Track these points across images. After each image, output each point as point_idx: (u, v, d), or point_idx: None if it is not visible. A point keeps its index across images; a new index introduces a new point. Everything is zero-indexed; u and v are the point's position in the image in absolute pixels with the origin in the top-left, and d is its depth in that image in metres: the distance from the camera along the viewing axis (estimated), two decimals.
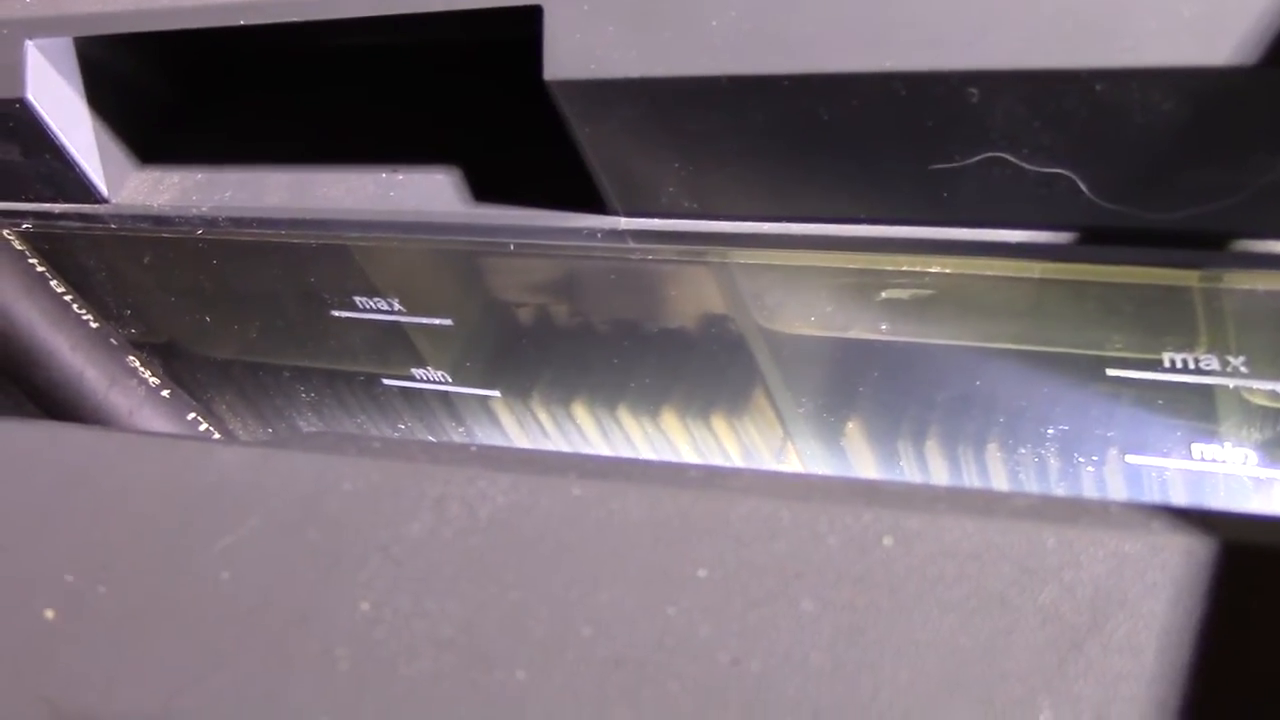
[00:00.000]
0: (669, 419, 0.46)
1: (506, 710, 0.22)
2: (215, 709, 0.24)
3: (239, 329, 0.51)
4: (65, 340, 0.37)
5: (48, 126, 0.44)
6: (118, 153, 0.46)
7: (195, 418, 0.37)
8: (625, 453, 0.48)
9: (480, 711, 0.22)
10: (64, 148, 0.45)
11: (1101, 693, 0.20)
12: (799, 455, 0.45)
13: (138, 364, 0.37)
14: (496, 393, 0.49)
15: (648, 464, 0.25)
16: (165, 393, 0.37)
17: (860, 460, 0.44)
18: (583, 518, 0.24)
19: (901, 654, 0.21)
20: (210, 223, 0.45)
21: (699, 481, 0.24)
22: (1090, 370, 0.37)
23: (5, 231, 0.38)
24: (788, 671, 0.21)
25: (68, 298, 0.37)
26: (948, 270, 0.35)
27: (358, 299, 0.47)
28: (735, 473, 0.24)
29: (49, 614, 0.26)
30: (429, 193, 0.41)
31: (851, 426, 0.43)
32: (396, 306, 0.46)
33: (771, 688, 0.21)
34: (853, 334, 0.39)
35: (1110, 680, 0.20)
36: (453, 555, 0.24)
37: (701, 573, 0.23)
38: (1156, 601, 0.20)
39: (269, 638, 0.24)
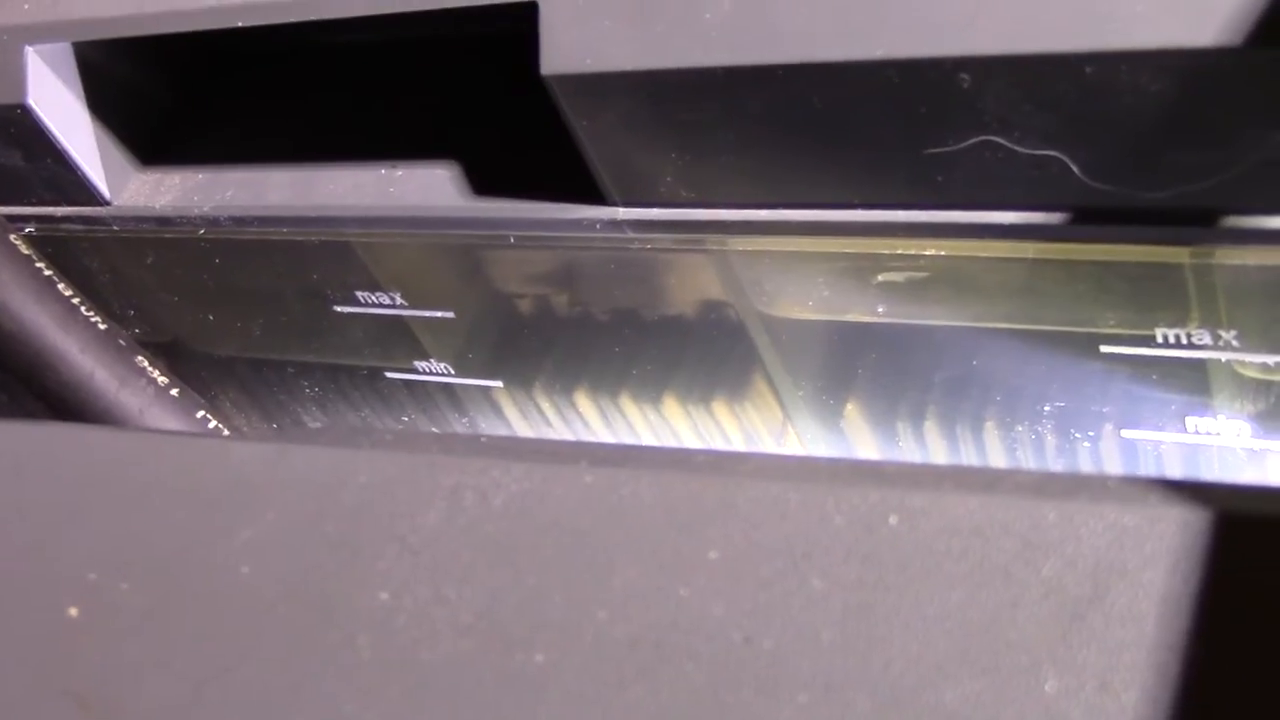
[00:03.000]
0: (671, 405, 0.46)
1: (526, 692, 0.23)
2: (240, 700, 0.24)
3: (242, 326, 0.52)
4: (75, 342, 0.37)
5: (49, 131, 0.45)
6: (119, 155, 0.47)
7: (204, 415, 0.38)
8: (628, 440, 0.49)
9: (501, 694, 0.23)
10: (65, 151, 0.45)
11: (1104, 660, 0.20)
12: (799, 438, 0.46)
13: (146, 364, 0.38)
14: (499, 383, 0.49)
15: (657, 450, 0.26)
16: (174, 392, 0.38)
17: (860, 441, 0.45)
18: (595, 504, 0.25)
19: (910, 628, 0.21)
20: (212, 222, 0.45)
21: (708, 466, 0.25)
22: (1084, 347, 0.37)
23: (12, 236, 0.38)
24: (800, 648, 0.22)
25: (75, 300, 0.38)
26: (942, 252, 0.36)
27: (360, 294, 0.47)
28: (743, 457, 0.25)
29: (73, 611, 0.27)
30: (429, 187, 0.41)
31: (850, 408, 0.43)
32: (398, 300, 0.47)
33: (784, 664, 0.22)
34: (850, 317, 0.40)
35: (1112, 648, 0.20)
36: (469, 543, 0.25)
37: (713, 554, 0.23)
38: (1155, 571, 0.21)
39: (291, 629, 0.25)
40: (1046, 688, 0.20)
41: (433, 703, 0.23)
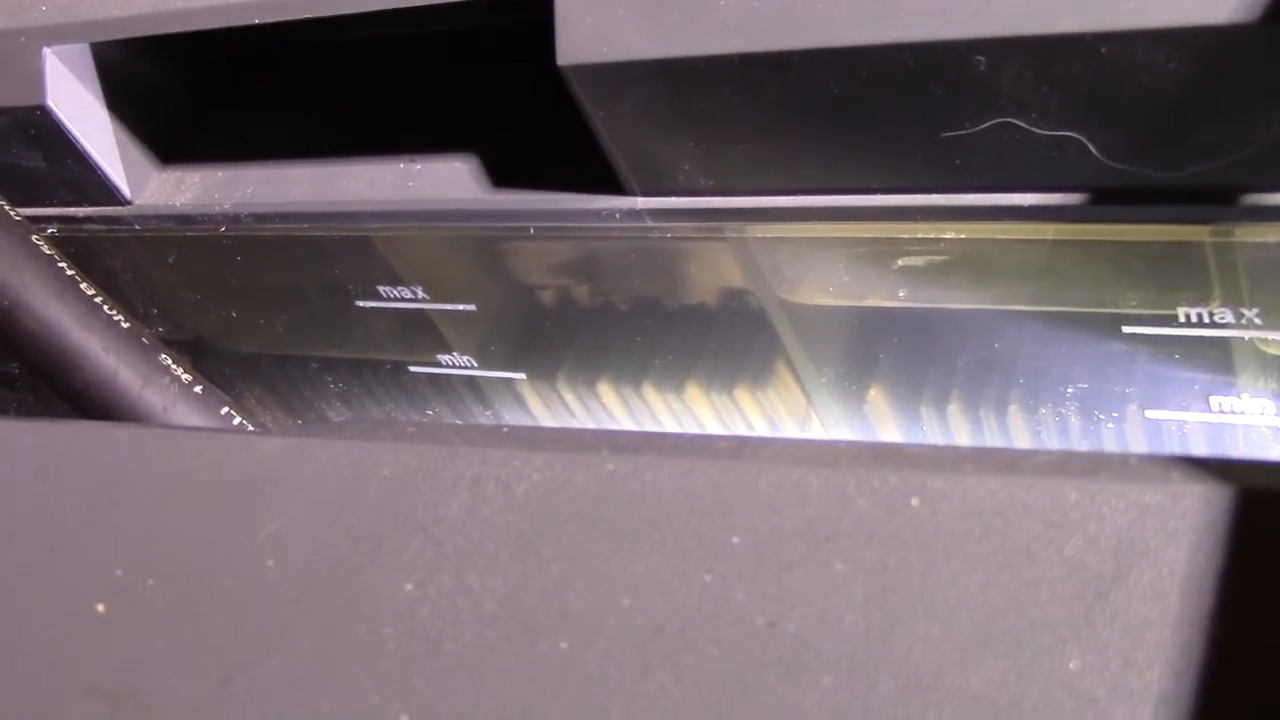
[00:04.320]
0: (693, 394, 0.46)
1: (551, 680, 0.23)
2: (267, 693, 0.25)
3: (265, 323, 0.52)
4: (98, 341, 0.37)
5: (69, 131, 0.45)
6: (138, 154, 0.47)
7: (229, 412, 0.38)
8: (652, 429, 0.49)
9: (526, 683, 0.23)
10: (86, 152, 0.45)
11: (1127, 639, 0.20)
12: (823, 424, 0.46)
13: (170, 362, 0.38)
14: (522, 375, 0.49)
15: (678, 437, 0.26)
16: (198, 389, 0.38)
17: (883, 427, 0.44)
18: (616, 491, 0.25)
19: (933, 610, 0.21)
20: (233, 219, 0.45)
21: (729, 451, 0.25)
22: (1107, 328, 0.37)
23: (34, 236, 0.39)
24: (823, 632, 0.22)
25: (98, 299, 0.38)
26: (962, 235, 0.36)
27: (382, 289, 0.47)
28: (764, 442, 0.25)
29: (100, 608, 0.27)
30: (448, 181, 0.42)
31: (874, 394, 0.43)
32: (420, 294, 0.47)
33: (808, 648, 0.22)
34: (871, 302, 0.40)
35: (1135, 626, 0.20)
36: (492, 533, 0.25)
37: (735, 540, 0.23)
38: (1178, 549, 0.21)
39: (317, 621, 0.25)
40: (1070, 667, 0.20)
41: (458, 692, 0.23)
